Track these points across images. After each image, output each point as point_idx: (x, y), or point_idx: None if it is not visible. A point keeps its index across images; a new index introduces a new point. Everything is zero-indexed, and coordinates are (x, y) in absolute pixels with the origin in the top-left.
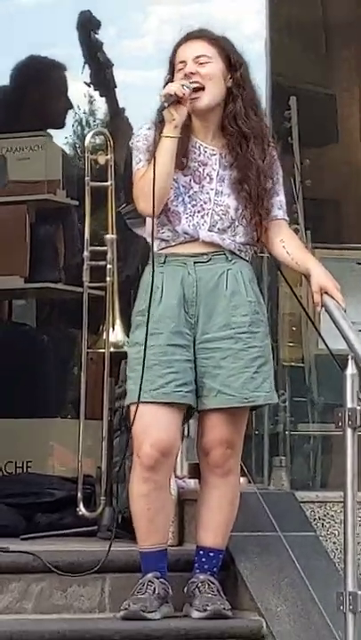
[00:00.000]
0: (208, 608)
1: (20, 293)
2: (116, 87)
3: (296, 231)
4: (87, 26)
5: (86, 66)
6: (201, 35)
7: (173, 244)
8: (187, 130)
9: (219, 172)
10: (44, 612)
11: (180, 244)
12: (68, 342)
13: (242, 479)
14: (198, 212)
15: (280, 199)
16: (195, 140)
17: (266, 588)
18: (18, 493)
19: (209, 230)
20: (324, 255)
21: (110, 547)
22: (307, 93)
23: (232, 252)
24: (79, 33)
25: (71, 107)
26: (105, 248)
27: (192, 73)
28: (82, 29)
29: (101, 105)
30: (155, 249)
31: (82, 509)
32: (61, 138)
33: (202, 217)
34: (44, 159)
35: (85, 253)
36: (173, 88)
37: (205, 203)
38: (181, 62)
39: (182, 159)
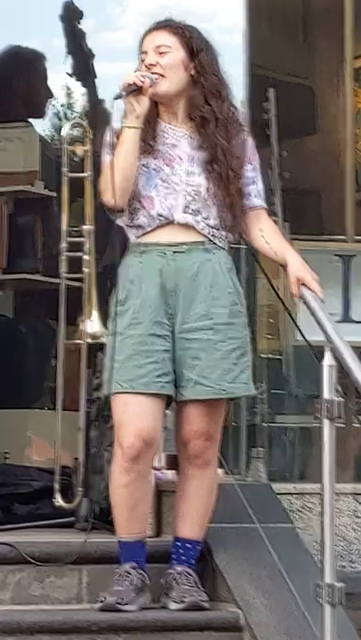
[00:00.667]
0: (185, 600)
1: None
2: (96, 78)
3: (275, 223)
4: (71, 16)
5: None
6: (163, 25)
7: (149, 229)
8: (154, 114)
9: (189, 152)
10: (21, 603)
11: (157, 228)
12: (46, 333)
13: (219, 470)
14: (171, 193)
15: (258, 187)
16: (163, 123)
17: (243, 580)
18: None
19: (183, 212)
20: (303, 247)
21: (87, 538)
22: (285, 84)
23: (210, 241)
24: (63, 23)
25: (52, 96)
26: (83, 239)
27: (151, 64)
28: (66, 20)
29: (79, 97)
30: (132, 238)
31: (59, 500)
32: (39, 129)
33: (175, 199)
34: (22, 150)
35: (63, 244)
36: (132, 78)
37: (178, 184)
38: (144, 53)
39: (150, 143)
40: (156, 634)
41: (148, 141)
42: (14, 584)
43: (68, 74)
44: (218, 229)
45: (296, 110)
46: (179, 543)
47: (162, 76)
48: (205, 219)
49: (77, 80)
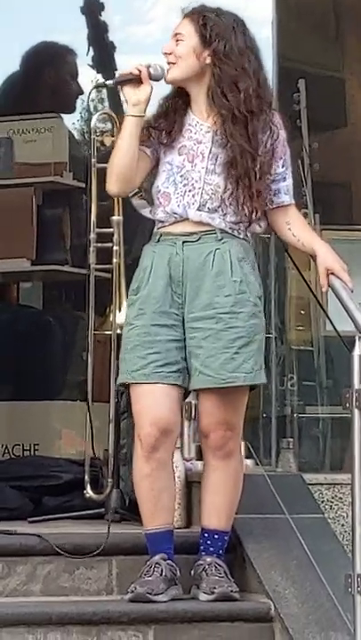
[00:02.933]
0: (215, 590)
1: (26, 276)
2: (117, 70)
3: (305, 215)
4: (93, 8)
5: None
6: (189, 12)
7: (167, 224)
8: (183, 108)
9: (212, 149)
10: (51, 595)
11: (173, 223)
12: (75, 324)
13: (248, 461)
14: (189, 190)
15: (287, 184)
16: (192, 116)
17: (274, 571)
18: (25, 476)
19: (198, 210)
20: (334, 237)
21: (109, 528)
22: (316, 76)
23: (223, 231)
24: (85, 15)
25: (82, 92)
26: (111, 230)
27: (166, 53)
28: (88, 12)
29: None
30: (155, 229)
31: (89, 492)
32: (68, 123)
33: (192, 196)
34: (51, 141)
35: (92, 235)
36: (128, 69)
37: (196, 181)
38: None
39: (175, 137)
40: (187, 625)
41: (172, 133)
42: (44, 576)
43: (89, 65)
44: (237, 223)
45: (326, 103)
46: (206, 534)
47: (173, 64)
48: (223, 215)
49: (98, 72)
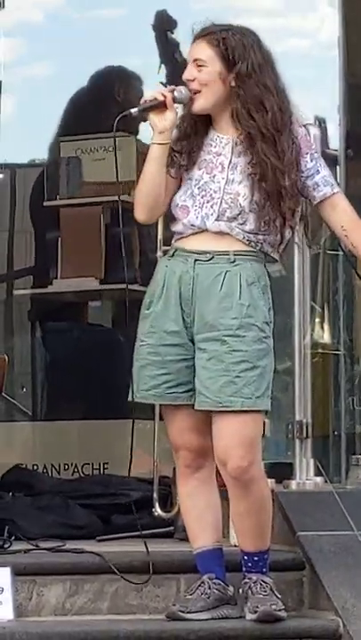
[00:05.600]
0: (258, 609)
1: (95, 295)
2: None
3: None
4: (163, 25)
5: (162, 66)
6: (203, 34)
7: (184, 235)
8: (203, 125)
9: (231, 159)
10: (119, 613)
11: (191, 235)
12: None
13: (318, 479)
14: (207, 202)
15: (322, 175)
16: (213, 132)
17: (343, 588)
18: (94, 494)
19: (217, 220)
20: None
21: (147, 546)
22: None
23: (238, 253)
24: (155, 32)
25: (146, 119)
26: None
27: (189, 80)
28: (158, 29)
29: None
30: (172, 241)
31: (158, 510)
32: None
33: (211, 207)
34: (119, 160)
35: (159, 253)
36: (152, 93)
37: (215, 192)
38: (187, 64)
39: (194, 156)
40: None
41: (192, 153)
42: (111, 593)
43: (161, 83)
44: (255, 234)
45: None
46: (246, 557)
47: (198, 91)
48: (241, 224)
49: None
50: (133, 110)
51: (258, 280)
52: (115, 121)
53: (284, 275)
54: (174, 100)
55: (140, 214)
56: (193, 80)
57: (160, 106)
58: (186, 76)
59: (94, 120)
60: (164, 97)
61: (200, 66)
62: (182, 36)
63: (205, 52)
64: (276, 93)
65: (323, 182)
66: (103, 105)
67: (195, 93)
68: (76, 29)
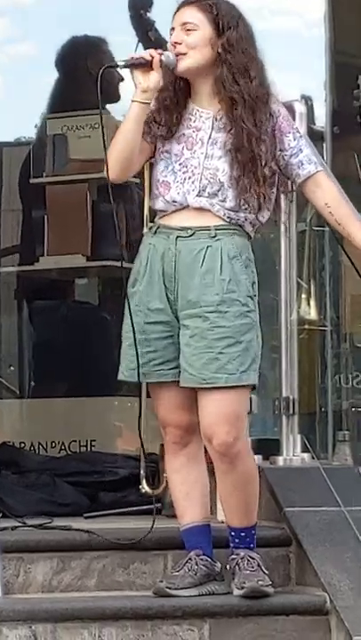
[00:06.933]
0: (245, 585)
1: (82, 272)
2: None
3: None
4: (138, 5)
5: (140, 45)
6: (193, 0)
7: (167, 212)
8: (183, 97)
9: (211, 134)
10: (106, 590)
11: (173, 212)
12: None
13: (305, 455)
14: (189, 177)
15: (306, 153)
16: (192, 106)
17: (329, 564)
18: (82, 472)
19: (198, 195)
20: None
21: (153, 523)
22: None
23: (218, 228)
24: (130, 12)
25: (123, 78)
26: None
27: (177, 42)
28: (133, 8)
29: None
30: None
31: (145, 487)
32: (119, 117)
33: (192, 183)
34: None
35: (145, 230)
36: (141, 53)
37: (195, 167)
38: (172, 29)
39: (173, 129)
40: (241, 619)
41: (172, 126)
42: (99, 571)
43: None
44: (236, 211)
45: None
46: (233, 533)
47: (184, 54)
48: (222, 201)
49: None
50: (120, 62)
51: (240, 254)
52: (100, 70)
53: (269, 252)
54: (161, 64)
55: (113, 171)
56: (180, 43)
57: (146, 65)
58: (174, 39)
59: (76, 97)
60: (152, 57)
61: (189, 30)
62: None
63: (196, 15)
64: (258, 64)
65: (307, 160)
66: (82, 83)
67: (179, 56)
68: (63, 8)
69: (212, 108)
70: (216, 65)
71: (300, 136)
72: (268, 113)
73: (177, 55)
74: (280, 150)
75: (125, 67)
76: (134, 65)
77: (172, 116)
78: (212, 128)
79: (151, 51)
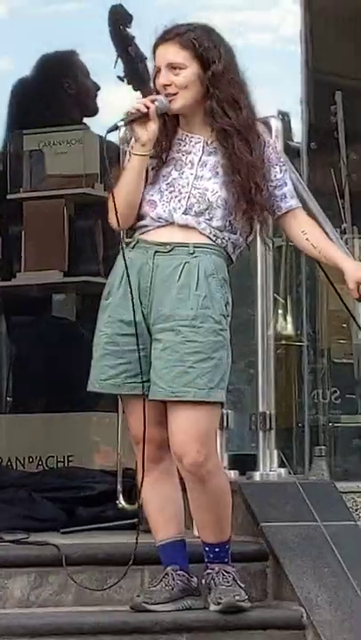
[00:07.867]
0: (221, 601)
1: (59, 287)
2: (150, 80)
3: (343, 230)
4: (118, 20)
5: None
6: (174, 35)
7: (150, 228)
8: (172, 125)
9: (201, 157)
10: (83, 605)
11: (155, 229)
12: None
13: (282, 470)
14: (176, 196)
15: (289, 188)
16: (182, 132)
17: (306, 578)
18: (59, 487)
19: (184, 213)
20: None
21: (137, 538)
22: (351, 88)
23: (198, 246)
24: (110, 27)
25: (99, 87)
26: None
27: (166, 85)
28: (113, 24)
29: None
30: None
31: (122, 502)
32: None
33: (178, 201)
34: (81, 153)
35: (123, 245)
36: (136, 105)
37: (183, 187)
38: (157, 69)
39: (163, 156)
40: (219, 633)
41: (161, 154)
42: (76, 586)
43: (118, 77)
44: (221, 231)
45: None
46: (207, 548)
47: (175, 94)
48: (208, 220)
49: (128, 83)
50: (120, 123)
51: (216, 272)
52: (104, 135)
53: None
54: (157, 111)
55: (123, 224)
56: (170, 85)
57: (143, 117)
58: (162, 81)
59: (54, 113)
60: (148, 108)
61: (177, 69)
62: (140, 31)
63: (181, 53)
64: (244, 90)
65: (290, 195)
66: (58, 98)
67: (170, 98)
68: (38, 25)
69: (204, 134)
70: (205, 97)
71: (286, 169)
72: (256, 135)
73: (167, 96)
74: (263, 169)
75: (125, 125)
76: (132, 120)
77: (161, 147)
78: (203, 152)
79: (145, 101)
